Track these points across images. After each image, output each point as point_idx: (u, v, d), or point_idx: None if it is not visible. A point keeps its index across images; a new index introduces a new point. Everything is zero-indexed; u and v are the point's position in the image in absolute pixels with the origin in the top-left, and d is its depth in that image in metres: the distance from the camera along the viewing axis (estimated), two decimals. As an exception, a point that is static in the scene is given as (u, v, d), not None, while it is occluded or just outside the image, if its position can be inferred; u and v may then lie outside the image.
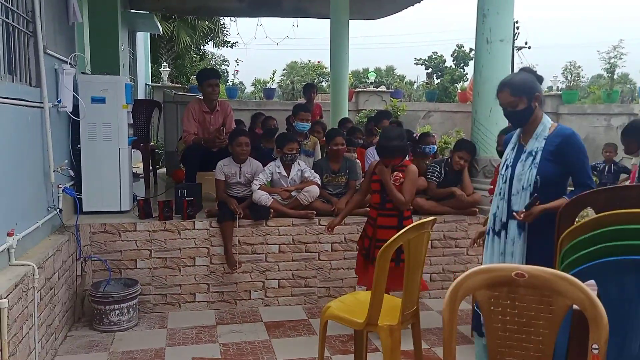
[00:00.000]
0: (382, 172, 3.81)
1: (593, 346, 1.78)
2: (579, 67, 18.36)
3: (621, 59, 14.65)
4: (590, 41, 66.15)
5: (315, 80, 20.03)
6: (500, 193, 2.93)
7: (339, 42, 8.39)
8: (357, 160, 5.18)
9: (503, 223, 2.91)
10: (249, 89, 28.49)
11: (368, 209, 4.10)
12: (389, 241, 2.82)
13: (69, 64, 4.12)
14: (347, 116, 8.11)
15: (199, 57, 18.34)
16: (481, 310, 2.02)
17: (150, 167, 6.73)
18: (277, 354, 3.69)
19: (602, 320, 1.76)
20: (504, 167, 2.95)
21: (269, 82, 16.66)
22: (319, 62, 21.28)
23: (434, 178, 4.85)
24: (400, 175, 3.84)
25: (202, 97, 5.50)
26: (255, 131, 6.66)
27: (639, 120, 4.15)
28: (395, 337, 2.84)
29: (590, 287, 2.25)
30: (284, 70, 30.52)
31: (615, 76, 16.60)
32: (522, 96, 2.83)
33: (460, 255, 4.87)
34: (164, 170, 8.03)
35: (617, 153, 7.51)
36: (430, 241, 3.27)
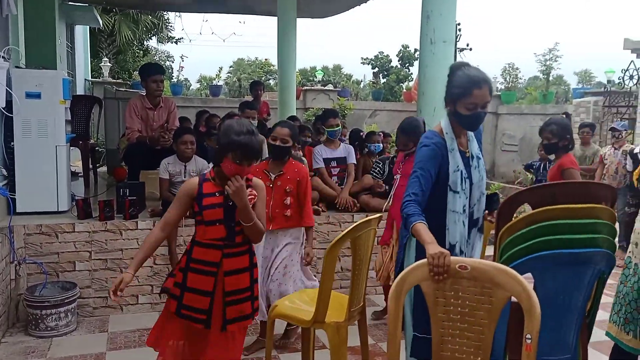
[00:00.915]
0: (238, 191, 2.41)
1: (527, 336, 1.85)
2: (517, 68, 19.14)
3: (556, 61, 15.39)
4: (527, 44, 69.06)
5: (263, 78, 19.92)
6: (463, 211, 2.54)
7: (286, 40, 8.36)
8: (304, 158, 5.18)
9: (467, 240, 2.60)
10: (195, 85, 27.98)
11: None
12: (336, 239, 2.83)
13: (2, 57, 3.93)
14: (295, 114, 8.10)
15: (142, 52, 17.84)
16: (426, 301, 2.06)
17: (90, 166, 6.50)
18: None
19: (535, 312, 1.83)
20: (463, 182, 2.53)
21: (215, 79, 16.43)
22: (266, 59, 21.19)
23: (378, 175, 4.92)
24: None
25: (145, 94, 5.35)
26: (200, 129, 6.54)
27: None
28: (342, 334, 2.87)
29: (527, 281, 2.35)
30: (230, 67, 30.18)
31: (551, 78, 17.37)
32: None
33: None
34: (104, 168, 7.76)
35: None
36: (376, 238, 3.32)
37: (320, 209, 4.83)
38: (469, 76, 2.47)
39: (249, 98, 8.87)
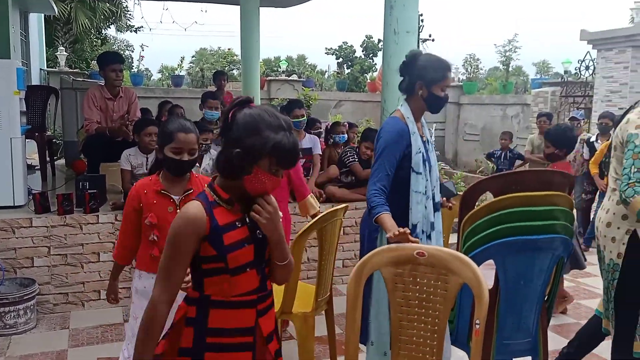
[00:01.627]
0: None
1: (476, 321, 1.90)
2: (478, 59, 19.48)
3: (515, 52, 15.71)
4: (487, 35, 70.37)
5: (226, 68, 19.68)
6: (424, 192, 2.64)
7: (249, 29, 8.26)
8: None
9: (431, 223, 2.69)
10: (156, 76, 27.42)
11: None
12: (302, 230, 2.83)
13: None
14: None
15: (100, 41, 17.35)
16: (386, 286, 2.11)
17: (48, 159, 6.29)
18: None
19: (484, 298, 1.88)
20: (425, 164, 2.65)
21: (177, 69, 16.11)
22: (229, 49, 20.92)
23: (355, 160, 4.94)
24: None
25: (103, 84, 5.20)
26: (162, 120, 6.41)
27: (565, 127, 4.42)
28: (309, 324, 2.88)
29: (490, 267, 2.41)
30: (193, 57, 29.69)
31: (510, 68, 17.75)
32: None
33: None
34: (62, 161, 7.53)
35: (512, 140, 8.05)
36: (342, 228, 3.33)
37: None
38: (440, 60, 2.63)
39: (212, 88, 8.74)
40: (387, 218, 2.43)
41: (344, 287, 4.84)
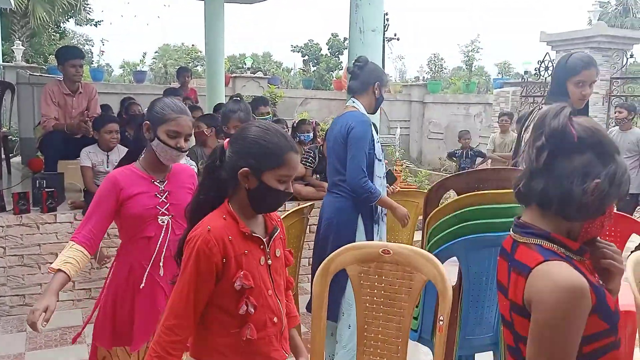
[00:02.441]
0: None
1: (440, 318, 1.93)
2: (442, 59, 19.77)
3: (478, 52, 16.02)
4: (451, 35, 71.51)
5: (190, 64, 19.40)
6: (381, 177, 3.02)
7: (214, 25, 8.16)
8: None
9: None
10: (117, 71, 26.81)
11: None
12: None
13: None
14: (224, 102, 7.94)
15: (58, 35, 16.85)
16: (352, 284, 2.12)
17: (3, 156, 6.07)
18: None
19: (448, 295, 1.91)
20: (382, 150, 3.04)
21: (139, 65, 15.79)
22: (193, 45, 20.63)
23: (307, 164, 4.93)
24: None
25: (62, 79, 5.04)
26: (124, 116, 6.27)
27: None
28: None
29: (454, 264, 2.44)
30: (156, 53, 29.12)
31: (473, 68, 18.09)
32: None
33: None
34: (18, 159, 7.28)
35: (472, 139, 8.21)
36: (308, 226, 3.32)
37: None
38: (381, 69, 3.13)
39: (176, 85, 8.60)
40: (387, 198, 3.00)
41: (309, 286, 4.82)
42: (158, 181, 2.13)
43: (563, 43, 9.51)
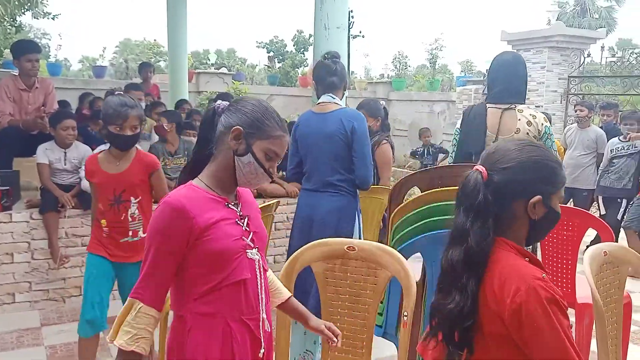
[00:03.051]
0: None
1: (404, 313, 1.94)
2: (407, 57, 19.97)
3: (441, 50, 16.24)
4: (416, 33, 72.42)
5: (152, 60, 19.04)
6: None
7: (176, 20, 8.02)
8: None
9: None
10: (76, 66, 26.11)
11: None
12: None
13: None
14: (187, 98, 7.82)
15: (14, 29, 16.23)
16: (317, 281, 2.11)
17: (-46, 153, 5.81)
18: (113, 351, 3.45)
19: (412, 290, 1.93)
20: None
21: (98, 60, 15.40)
22: (155, 40, 20.24)
23: None
24: None
25: (17, 74, 4.87)
26: (83, 112, 6.10)
27: None
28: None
29: (418, 260, 2.47)
30: (116, 47, 28.48)
31: (437, 66, 18.34)
32: None
33: None
34: (-28, 156, 7.00)
35: (435, 136, 8.33)
36: (274, 223, 3.30)
37: None
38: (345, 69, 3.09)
39: (138, 80, 8.42)
40: None
41: (275, 283, 4.81)
42: (233, 204, 1.61)
43: (523, 42, 9.73)
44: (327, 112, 2.90)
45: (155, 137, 5.18)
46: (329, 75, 2.94)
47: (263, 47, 18.95)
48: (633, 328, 3.14)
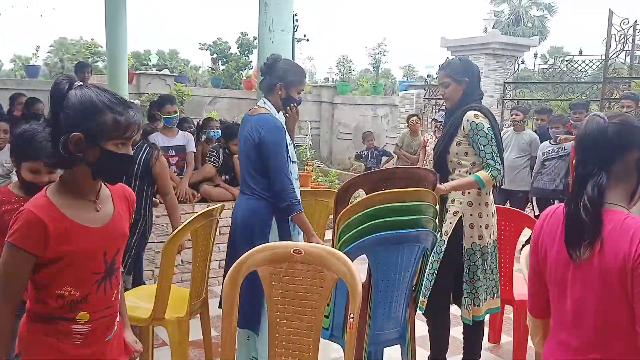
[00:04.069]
0: None
1: (350, 315, 1.96)
2: (351, 61, 20.18)
3: (384, 55, 16.50)
4: (359, 38, 73.42)
5: (90, 60, 18.36)
6: (296, 178, 2.98)
7: (115, 18, 7.77)
8: (139, 147, 4.88)
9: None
10: (8, 65, 24.81)
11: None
12: (174, 232, 2.72)
13: None
14: (127, 99, 7.59)
15: (-63, 25, 15.24)
16: (263, 285, 2.09)
17: None
18: None
19: (358, 292, 1.94)
20: (294, 152, 2.99)
21: (32, 59, 14.67)
22: (92, 39, 19.52)
23: (213, 163, 4.83)
24: None
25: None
26: (15, 114, 5.80)
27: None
28: (183, 329, 2.77)
29: (363, 261, 2.49)
30: (51, 46, 27.26)
31: (380, 71, 18.65)
32: None
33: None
34: None
35: (379, 139, 8.47)
36: (218, 228, 3.25)
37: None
38: (298, 67, 3.00)
39: (74, 81, 8.08)
40: (306, 219, 2.83)
41: (219, 289, 4.73)
42: None
43: (461, 48, 10.05)
44: (252, 115, 2.88)
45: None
46: (263, 78, 2.94)
47: (206, 49, 18.64)
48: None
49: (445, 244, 2.93)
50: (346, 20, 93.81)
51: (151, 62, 15.36)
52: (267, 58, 2.96)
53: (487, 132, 2.84)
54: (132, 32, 8.06)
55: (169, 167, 4.80)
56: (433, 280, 2.93)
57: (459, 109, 2.94)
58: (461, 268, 2.94)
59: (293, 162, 2.93)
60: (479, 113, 2.89)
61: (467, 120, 2.87)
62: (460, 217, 2.92)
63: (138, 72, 12.57)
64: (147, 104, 9.68)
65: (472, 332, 3.07)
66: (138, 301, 2.90)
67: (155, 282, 3.76)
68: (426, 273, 2.89)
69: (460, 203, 2.93)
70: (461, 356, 3.18)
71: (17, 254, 1.48)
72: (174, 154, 4.87)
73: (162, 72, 12.97)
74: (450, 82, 2.94)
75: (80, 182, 1.58)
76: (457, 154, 2.94)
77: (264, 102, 2.89)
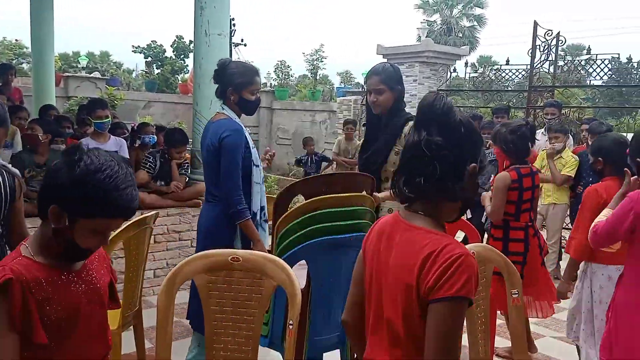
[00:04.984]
0: None
1: (289, 322, 1.95)
2: (289, 66, 20.27)
3: (322, 61, 16.67)
4: (297, 44, 73.82)
5: (14, 61, 17.42)
6: (259, 182, 2.92)
7: (41, 18, 7.40)
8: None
9: (266, 209, 3.01)
10: None
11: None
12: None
13: None
14: (54, 103, 7.24)
15: None
16: (200, 294, 2.04)
17: None
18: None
19: (297, 299, 1.94)
20: (258, 156, 2.93)
21: (-52, 59, 13.75)
22: (17, 40, 18.57)
23: (149, 170, 4.70)
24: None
25: None
26: None
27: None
28: (115, 342, 2.65)
29: (302, 267, 2.49)
30: (-30, 46, 25.65)
31: (318, 77, 18.81)
32: None
33: (185, 248, 4.81)
34: None
35: (318, 145, 8.53)
36: (153, 236, 3.15)
37: None
38: (246, 66, 2.90)
39: (-4, 83, 7.64)
40: (253, 225, 2.76)
41: (154, 299, 4.58)
42: None
43: (397, 56, 10.30)
44: (212, 122, 2.86)
45: (19, 145, 4.72)
46: (217, 85, 2.88)
47: (140, 52, 18.12)
48: (498, 322, 3.42)
49: None
50: (284, 26, 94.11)
51: (81, 65, 14.76)
52: (217, 64, 2.87)
53: None
54: (60, 33, 7.72)
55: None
56: None
57: (394, 117, 2.91)
58: None
59: (256, 165, 2.86)
60: None
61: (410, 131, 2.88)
62: None
63: (66, 74, 12.06)
64: (75, 108, 9.28)
65: None
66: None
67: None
68: None
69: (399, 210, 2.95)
70: None
71: None
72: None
73: (92, 75, 12.51)
74: (385, 89, 2.86)
75: None
76: (394, 163, 2.86)
77: (222, 108, 2.85)
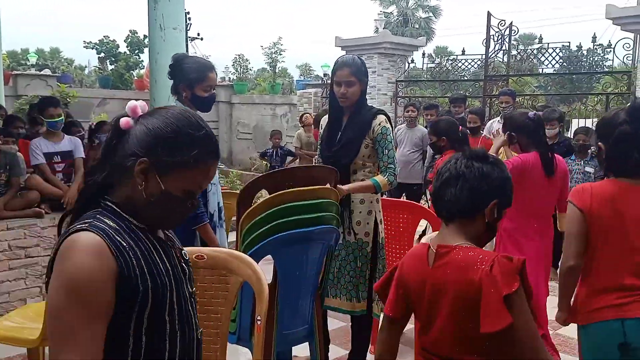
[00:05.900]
0: None
1: (257, 318, 1.94)
2: (247, 60, 20.08)
3: (281, 54, 16.56)
4: (255, 37, 73.10)
5: (-43, 59, 16.62)
6: (215, 183, 2.87)
7: (-15, 14, 7.10)
8: (20, 154, 4.49)
9: (222, 209, 2.97)
10: None
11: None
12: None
13: None
14: (3, 103, 6.97)
15: None
16: None
17: None
18: None
19: (264, 294, 1.93)
20: None
21: None
22: (-40, 37, 17.70)
23: None
24: None
25: None
26: None
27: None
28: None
29: (269, 262, 2.48)
30: None
31: (277, 70, 18.70)
32: None
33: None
34: None
35: (282, 139, 8.51)
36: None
37: (44, 211, 4.27)
38: (199, 62, 2.82)
39: (-61, 82, 7.29)
40: (211, 229, 2.74)
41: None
42: None
43: (355, 48, 10.33)
44: None
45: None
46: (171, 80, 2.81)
47: (92, 48, 17.58)
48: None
49: (370, 245, 2.90)
50: (241, 19, 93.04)
51: (30, 62, 14.22)
52: (171, 59, 2.80)
53: (391, 137, 2.88)
54: (6, 30, 7.41)
55: (55, 174, 4.47)
56: (368, 285, 2.89)
57: (361, 110, 2.90)
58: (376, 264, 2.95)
59: None
60: (386, 118, 2.91)
61: (380, 124, 2.85)
62: (375, 215, 2.93)
63: (15, 72, 11.61)
64: (26, 107, 8.94)
65: (367, 328, 3.04)
66: (25, 321, 2.67)
67: (43, 300, 3.50)
68: (353, 276, 2.88)
69: (371, 202, 2.92)
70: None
71: None
72: (60, 160, 4.54)
73: (42, 73, 12.07)
74: (356, 82, 2.82)
75: None
76: (363, 156, 2.88)
77: (176, 105, 2.75)
